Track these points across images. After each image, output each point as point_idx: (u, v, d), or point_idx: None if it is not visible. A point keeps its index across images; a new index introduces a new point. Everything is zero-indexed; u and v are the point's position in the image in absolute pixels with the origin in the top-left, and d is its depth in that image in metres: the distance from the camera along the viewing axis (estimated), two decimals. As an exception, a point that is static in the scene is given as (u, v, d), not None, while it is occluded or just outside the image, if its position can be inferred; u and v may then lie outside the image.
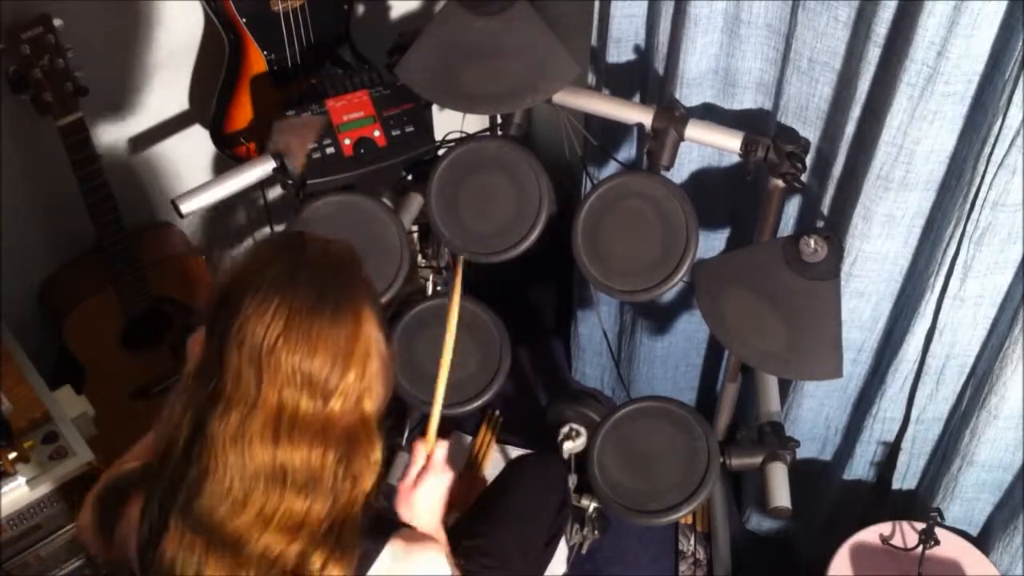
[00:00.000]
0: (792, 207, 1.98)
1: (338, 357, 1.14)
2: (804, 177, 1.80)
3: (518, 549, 1.55)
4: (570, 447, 2.14)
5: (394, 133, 1.90)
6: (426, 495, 1.46)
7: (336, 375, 1.14)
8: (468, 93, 1.86)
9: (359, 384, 1.16)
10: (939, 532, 1.86)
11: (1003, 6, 1.45)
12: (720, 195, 2.08)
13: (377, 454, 1.21)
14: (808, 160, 1.80)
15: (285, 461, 1.14)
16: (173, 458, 1.20)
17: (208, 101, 2.08)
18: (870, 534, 1.93)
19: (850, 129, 1.75)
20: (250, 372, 1.12)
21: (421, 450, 1.50)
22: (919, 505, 2.03)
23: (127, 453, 1.42)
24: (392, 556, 1.25)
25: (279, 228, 2.35)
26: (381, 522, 1.26)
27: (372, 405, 1.19)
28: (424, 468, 1.48)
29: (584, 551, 2.28)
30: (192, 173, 2.26)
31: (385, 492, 1.32)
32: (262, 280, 1.14)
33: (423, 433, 1.56)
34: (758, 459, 1.81)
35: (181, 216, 1.80)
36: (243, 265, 1.18)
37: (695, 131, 1.82)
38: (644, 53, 2.03)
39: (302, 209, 1.82)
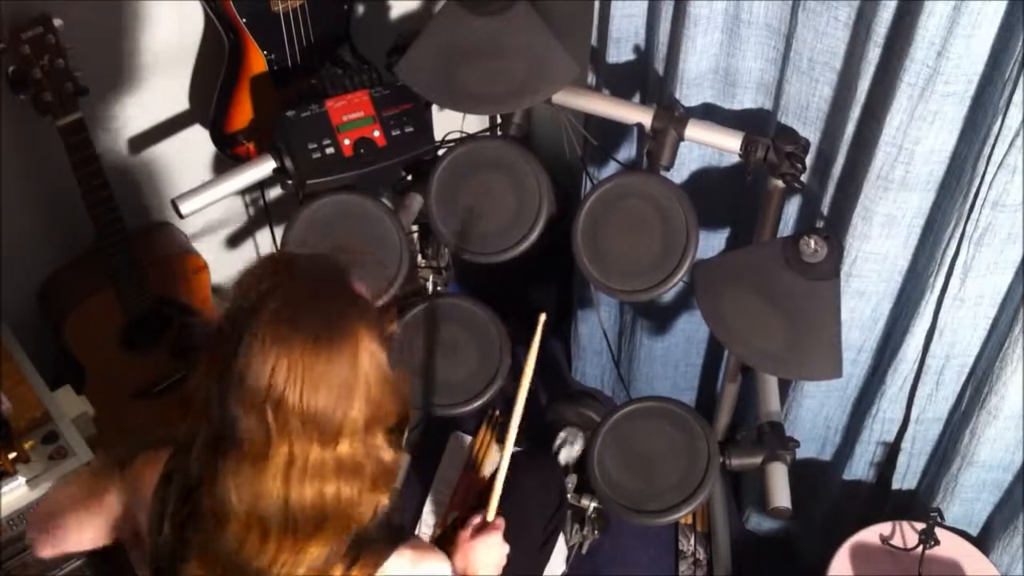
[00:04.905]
0: (792, 207, 1.98)
1: (342, 390, 1.12)
2: (804, 177, 1.80)
3: (513, 550, 1.56)
4: (567, 455, 2.14)
5: (394, 133, 1.90)
6: (485, 551, 1.49)
7: (341, 409, 1.13)
8: (468, 93, 1.86)
9: (366, 411, 1.15)
10: (939, 532, 1.86)
11: (1003, 6, 1.45)
12: (720, 195, 2.08)
13: (389, 456, 1.21)
14: (808, 160, 1.80)
15: (296, 506, 1.14)
16: (188, 496, 1.21)
17: (208, 101, 2.08)
18: (870, 534, 1.93)
19: (850, 129, 1.75)
20: (259, 424, 1.11)
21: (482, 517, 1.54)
22: (919, 505, 2.03)
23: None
24: (400, 563, 1.25)
25: (279, 228, 2.35)
26: (391, 528, 1.26)
27: (383, 423, 1.19)
28: (486, 526, 1.52)
29: (584, 551, 2.28)
30: (192, 173, 2.26)
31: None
32: (257, 320, 1.11)
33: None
34: (758, 459, 1.81)
35: (181, 216, 1.80)
36: (234, 302, 1.15)
37: (695, 131, 1.82)
38: (644, 53, 2.03)
39: (302, 209, 1.82)
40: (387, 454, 1.20)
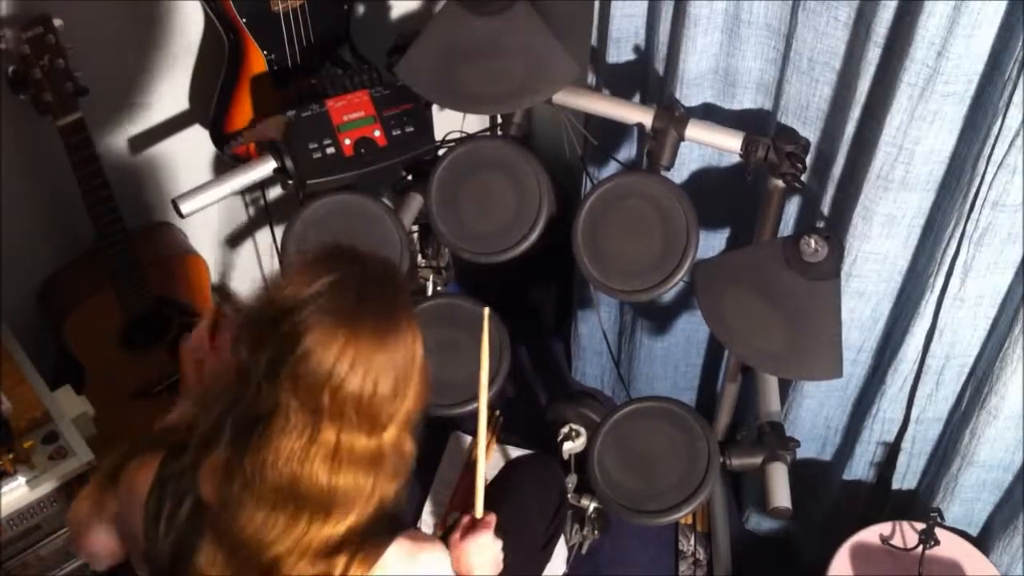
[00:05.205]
0: (792, 207, 1.98)
1: (399, 382, 1.15)
2: (804, 177, 1.80)
3: (514, 551, 1.56)
4: (570, 447, 2.14)
5: (394, 133, 1.90)
6: (477, 551, 1.48)
7: (393, 402, 1.15)
8: (468, 93, 1.86)
9: (412, 405, 1.18)
10: (939, 532, 1.86)
11: (1003, 6, 1.45)
12: (720, 195, 2.08)
13: (409, 449, 1.23)
14: (808, 160, 1.80)
15: (336, 490, 1.15)
16: (184, 496, 1.21)
17: (208, 101, 2.08)
18: (870, 534, 1.93)
19: (850, 129, 1.75)
20: (309, 406, 1.12)
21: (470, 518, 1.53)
22: (919, 505, 2.03)
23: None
24: (398, 554, 1.25)
25: (279, 228, 2.35)
26: (389, 518, 1.26)
27: (415, 416, 1.21)
28: (475, 525, 1.51)
29: (584, 551, 2.28)
30: (192, 173, 2.26)
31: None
32: (324, 307, 1.12)
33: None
34: (758, 459, 1.81)
35: (181, 216, 1.80)
36: (298, 286, 1.14)
37: (695, 131, 1.82)
38: (644, 53, 2.04)
39: (302, 209, 1.82)
40: (408, 447, 1.23)
